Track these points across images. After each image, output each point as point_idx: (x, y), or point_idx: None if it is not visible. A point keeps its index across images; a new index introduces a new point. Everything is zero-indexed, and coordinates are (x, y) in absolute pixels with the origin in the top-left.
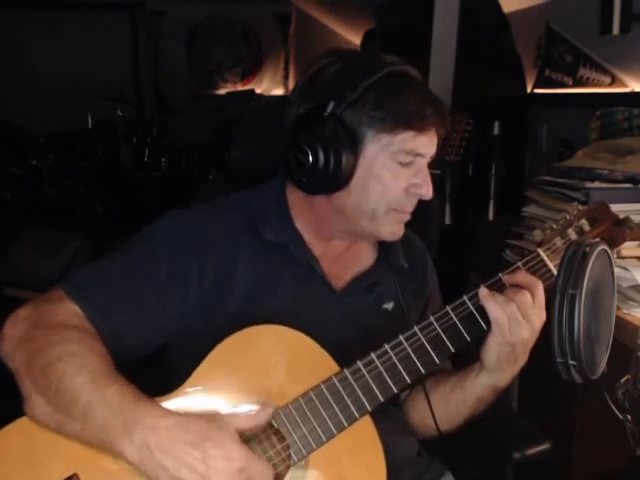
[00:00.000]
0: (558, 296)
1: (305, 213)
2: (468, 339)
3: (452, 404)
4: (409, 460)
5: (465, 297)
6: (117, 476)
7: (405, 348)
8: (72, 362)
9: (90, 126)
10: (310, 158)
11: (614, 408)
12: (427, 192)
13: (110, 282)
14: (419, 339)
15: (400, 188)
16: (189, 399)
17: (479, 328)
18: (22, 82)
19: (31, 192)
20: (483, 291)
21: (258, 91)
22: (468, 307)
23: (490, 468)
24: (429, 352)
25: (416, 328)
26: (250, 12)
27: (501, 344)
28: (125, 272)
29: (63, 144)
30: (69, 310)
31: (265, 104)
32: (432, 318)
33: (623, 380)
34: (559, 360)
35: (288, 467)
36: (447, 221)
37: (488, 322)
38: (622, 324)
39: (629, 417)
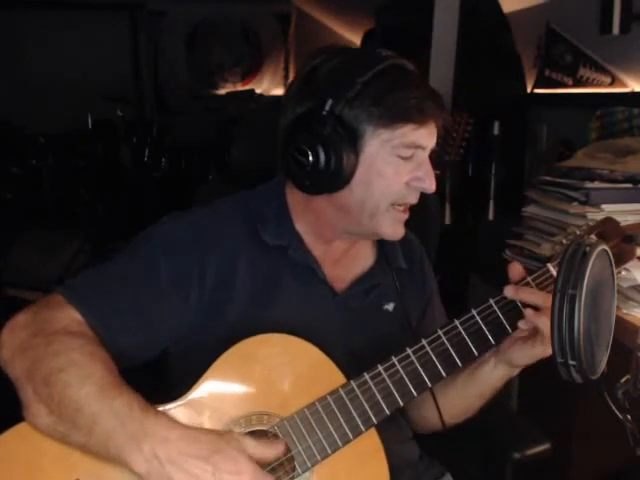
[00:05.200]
0: (558, 296)
1: (305, 214)
2: (476, 354)
3: (466, 397)
4: (410, 464)
5: (474, 311)
6: None
7: (413, 362)
8: (75, 372)
9: (90, 126)
10: (310, 158)
11: (614, 408)
12: (430, 185)
13: (110, 287)
14: (427, 353)
15: (402, 182)
16: (194, 407)
17: (487, 343)
18: (22, 82)
19: (31, 192)
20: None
21: (258, 91)
22: (477, 322)
23: (490, 468)
24: (437, 366)
25: (424, 341)
26: (250, 12)
27: (542, 349)
28: (125, 277)
29: (63, 144)
30: (69, 316)
31: (265, 104)
32: (440, 332)
33: (623, 380)
34: (559, 360)
35: (292, 479)
36: (447, 221)
37: (496, 337)
38: (622, 324)
39: (629, 417)
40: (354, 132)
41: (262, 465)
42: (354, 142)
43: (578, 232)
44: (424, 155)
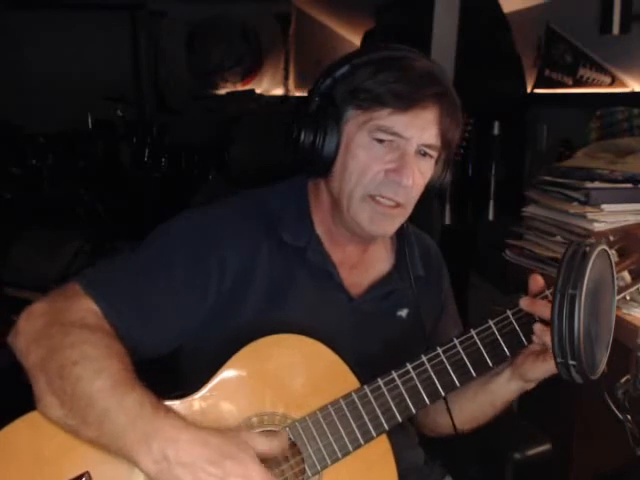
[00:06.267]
0: (558, 296)
1: (319, 212)
2: (491, 365)
3: (478, 406)
4: (416, 469)
5: (491, 322)
6: (130, 476)
7: (427, 369)
8: (89, 366)
9: (90, 126)
10: (294, 135)
11: (614, 408)
12: (402, 179)
13: (127, 281)
14: (442, 361)
15: (376, 170)
16: (205, 404)
17: (503, 355)
18: (22, 82)
19: (31, 192)
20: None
21: (258, 91)
22: (493, 333)
23: (490, 468)
24: (451, 375)
25: (439, 350)
26: (250, 12)
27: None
28: (142, 273)
29: (63, 144)
30: (85, 307)
31: (265, 104)
32: (456, 341)
33: (623, 380)
34: (559, 360)
35: None
36: (447, 221)
37: (512, 349)
38: (622, 324)
39: (629, 417)
40: (337, 112)
41: (272, 463)
42: (337, 122)
43: None
44: (407, 147)
